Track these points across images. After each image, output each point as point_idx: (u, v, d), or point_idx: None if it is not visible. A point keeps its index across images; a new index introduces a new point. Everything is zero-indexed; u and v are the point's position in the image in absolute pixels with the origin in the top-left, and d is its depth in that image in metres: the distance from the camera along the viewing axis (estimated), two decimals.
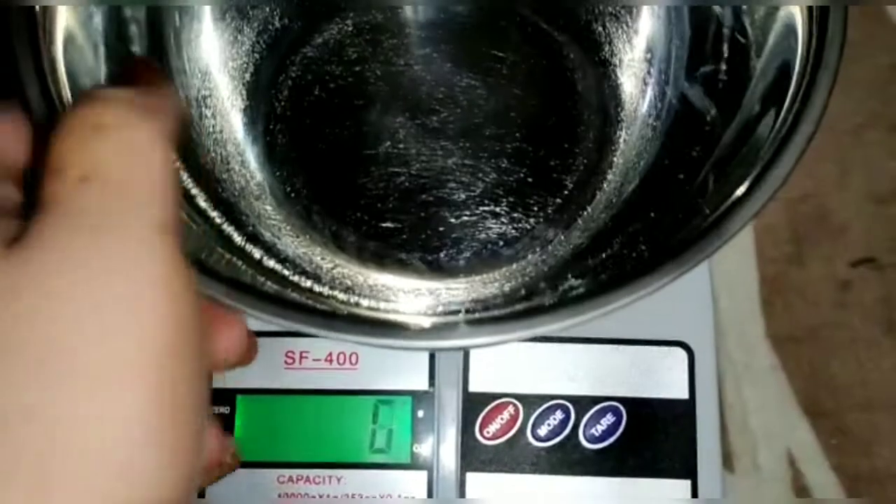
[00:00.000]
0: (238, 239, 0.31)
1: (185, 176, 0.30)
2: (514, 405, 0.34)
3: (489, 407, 0.34)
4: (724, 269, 0.37)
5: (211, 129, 0.34)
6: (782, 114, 0.26)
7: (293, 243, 0.33)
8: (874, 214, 0.38)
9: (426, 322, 0.24)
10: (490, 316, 0.23)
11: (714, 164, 0.28)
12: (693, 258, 0.22)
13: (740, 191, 0.24)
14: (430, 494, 0.34)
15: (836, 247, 0.38)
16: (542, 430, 0.34)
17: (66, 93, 0.25)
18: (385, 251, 0.33)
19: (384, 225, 0.33)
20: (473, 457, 0.34)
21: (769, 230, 0.38)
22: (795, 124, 0.25)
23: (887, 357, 0.37)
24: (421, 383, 0.34)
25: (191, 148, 0.32)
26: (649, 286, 0.22)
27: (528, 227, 0.33)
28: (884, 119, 0.39)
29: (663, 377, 0.34)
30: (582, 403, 0.34)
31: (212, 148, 0.33)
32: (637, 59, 0.34)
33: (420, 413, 0.34)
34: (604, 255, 0.31)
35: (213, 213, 0.31)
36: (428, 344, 0.22)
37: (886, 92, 0.40)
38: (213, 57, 0.34)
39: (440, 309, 0.31)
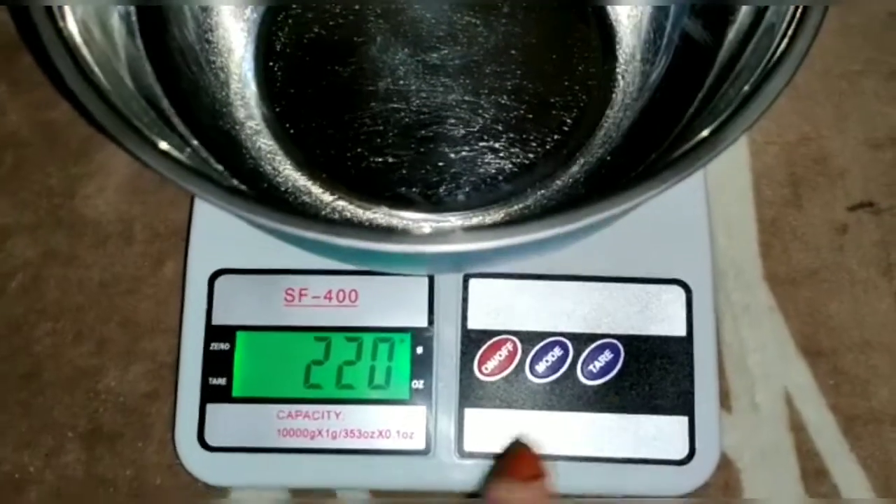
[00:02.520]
0: (240, 173, 0.31)
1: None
2: (513, 342, 0.34)
3: (488, 344, 0.34)
4: (723, 210, 0.37)
5: (212, 66, 0.34)
6: (777, 36, 0.26)
7: (294, 177, 0.33)
8: (871, 159, 0.38)
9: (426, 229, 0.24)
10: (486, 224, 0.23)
11: (708, 93, 0.29)
12: (687, 167, 0.22)
13: (732, 107, 0.24)
14: (428, 430, 0.34)
15: (833, 190, 0.38)
16: (541, 367, 0.34)
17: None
18: (385, 185, 0.33)
19: (384, 160, 0.33)
20: (472, 393, 0.34)
21: (767, 173, 0.38)
22: (789, 45, 0.25)
23: (884, 299, 0.37)
24: (420, 320, 0.34)
25: (192, 84, 0.33)
26: (645, 193, 0.22)
27: (527, 162, 0.33)
28: (881, 66, 0.39)
29: (661, 315, 0.34)
30: (580, 340, 0.34)
31: (213, 83, 0.34)
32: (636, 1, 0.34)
33: (419, 350, 0.34)
34: (603, 188, 0.31)
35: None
36: (426, 248, 0.22)
37: (883, 39, 0.40)
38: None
39: None
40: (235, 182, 0.29)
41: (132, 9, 0.29)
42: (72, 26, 0.25)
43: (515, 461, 0.30)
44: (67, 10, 0.26)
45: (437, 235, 0.22)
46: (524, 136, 0.34)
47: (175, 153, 0.24)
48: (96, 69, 0.25)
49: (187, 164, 0.23)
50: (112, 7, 0.28)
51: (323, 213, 0.32)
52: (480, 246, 0.22)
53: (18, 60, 0.39)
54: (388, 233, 0.22)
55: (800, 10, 0.26)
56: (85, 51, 0.25)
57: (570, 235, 0.23)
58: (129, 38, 0.29)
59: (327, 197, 0.33)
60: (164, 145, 0.24)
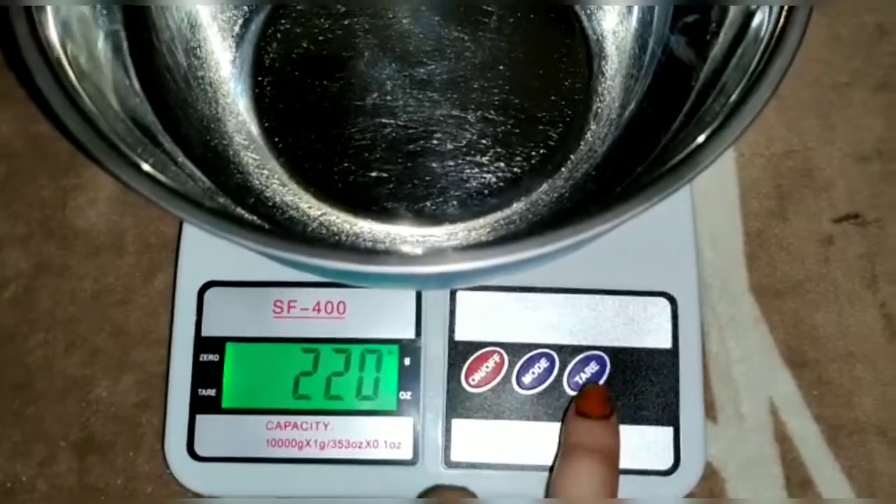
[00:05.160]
0: (227, 188, 0.32)
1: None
2: (500, 353, 0.35)
3: (475, 355, 0.35)
4: (709, 222, 0.38)
5: (200, 82, 0.34)
6: (758, 52, 0.26)
7: (281, 191, 0.34)
8: (858, 171, 0.39)
9: (414, 250, 0.24)
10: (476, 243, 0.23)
11: (692, 107, 0.29)
12: (671, 184, 0.23)
13: (717, 121, 0.24)
14: (416, 441, 0.34)
15: (819, 202, 0.38)
16: (527, 378, 0.34)
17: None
18: (372, 200, 0.33)
19: (371, 174, 0.34)
20: (459, 404, 0.34)
21: (754, 185, 0.38)
22: (771, 59, 0.25)
23: (868, 310, 0.37)
24: (408, 332, 0.35)
25: (180, 99, 0.33)
26: (628, 211, 0.22)
27: (513, 176, 0.34)
28: (869, 78, 0.40)
29: (647, 327, 0.35)
30: (566, 352, 0.35)
31: (201, 98, 0.34)
32: (620, 11, 0.34)
33: (406, 361, 0.35)
34: (587, 203, 0.31)
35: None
36: (413, 269, 0.22)
37: (871, 51, 0.40)
38: (204, 8, 0.34)
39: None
40: (222, 199, 0.30)
41: (119, 28, 0.29)
42: (56, 47, 0.26)
43: (588, 400, 0.33)
44: (52, 30, 0.26)
45: (420, 257, 0.22)
46: (510, 150, 0.34)
47: (158, 175, 0.24)
48: (80, 90, 0.25)
49: (171, 187, 0.24)
50: (97, 28, 0.28)
51: (310, 228, 0.33)
52: (464, 267, 0.23)
53: (7, 73, 0.39)
54: (372, 255, 0.23)
55: (782, 23, 0.26)
56: (69, 72, 0.26)
57: (555, 253, 0.24)
58: (115, 57, 0.29)
59: (314, 211, 0.33)
60: (147, 167, 0.24)
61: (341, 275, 0.30)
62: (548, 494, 0.32)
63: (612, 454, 0.31)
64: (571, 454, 0.31)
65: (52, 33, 0.25)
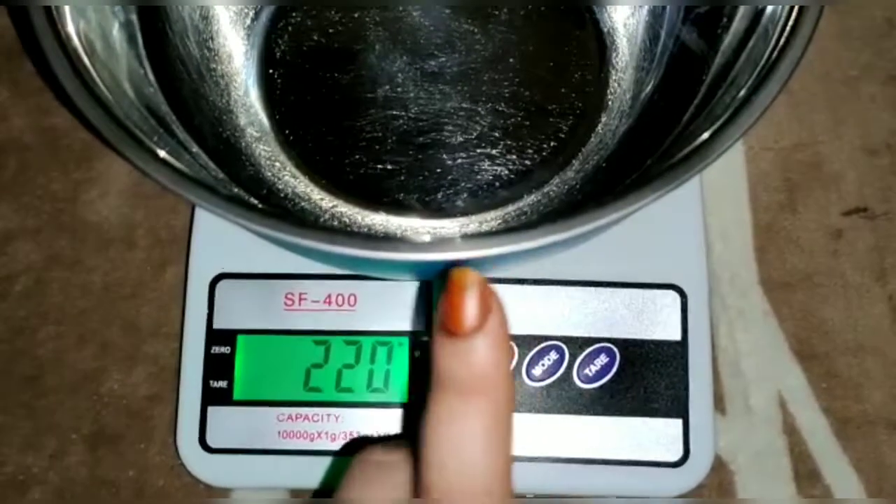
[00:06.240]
0: (240, 178, 0.32)
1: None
2: (509, 346, 0.35)
3: None
4: (719, 216, 0.38)
5: (212, 73, 0.34)
6: (770, 45, 0.26)
7: (293, 183, 0.34)
8: (867, 164, 0.39)
9: (424, 238, 0.24)
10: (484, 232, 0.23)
11: (703, 99, 0.29)
12: (680, 175, 0.23)
13: (727, 114, 0.24)
14: None
15: (828, 196, 0.38)
16: (537, 370, 0.35)
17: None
18: (383, 192, 0.34)
19: (382, 166, 0.34)
20: None
21: (763, 178, 0.38)
22: (781, 53, 0.25)
23: (877, 304, 0.37)
24: (418, 324, 0.35)
25: (193, 91, 0.33)
26: (637, 202, 0.22)
27: (524, 168, 0.34)
28: (878, 71, 0.40)
29: (656, 319, 0.35)
30: (576, 344, 0.35)
31: (213, 90, 0.34)
32: (632, 2, 0.34)
33: (417, 353, 0.35)
34: (598, 195, 0.31)
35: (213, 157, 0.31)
36: (423, 256, 0.22)
37: (881, 44, 0.40)
38: (216, 1, 0.34)
39: None
40: (235, 189, 0.30)
41: (133, 18, 0.29)
42: (72, 35, 0.26)
43: (451, 307, 0.22)
44: (68, 18, 0.26)
45: (431, 244, 0.23)
46: (521, 142, 0.34)
47: (174, 162, 0.24)
48: (97, 78, 0.25)
49: (186, 174, 0.24)
50: (112, 17, 0.28)
51: (322, 219, 0.33)
52: (473, 254, 0.23)
53: (21, 65, 0.40)
54: (382, 241, 0.23)
55: (794, 16, 0.26)
56: (86, 59, 0.26)
57: (565, 243, 0.24)
58: (129, 46, 0.29)
59: (326, 203, 0.33)
60: (163, 154, 0.24)
61: (352, 263, 0.30)
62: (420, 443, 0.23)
63: (496, 392, 0.21)
64: (439, 395, 0.22)
65: (69, 22, 0.25)
